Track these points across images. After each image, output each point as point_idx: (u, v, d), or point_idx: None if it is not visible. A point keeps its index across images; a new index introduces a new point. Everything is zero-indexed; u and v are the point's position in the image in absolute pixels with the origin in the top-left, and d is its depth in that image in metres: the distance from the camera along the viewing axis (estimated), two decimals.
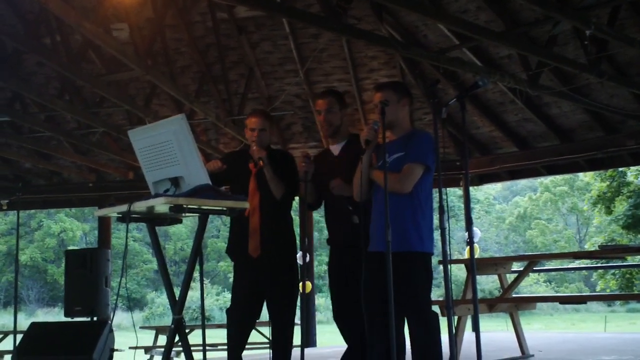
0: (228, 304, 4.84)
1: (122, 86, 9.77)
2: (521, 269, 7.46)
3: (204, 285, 4.20)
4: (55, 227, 34.82)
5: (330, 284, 4.53)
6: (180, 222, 4.05)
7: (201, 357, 4.09)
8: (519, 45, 7.73)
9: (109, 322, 7.41)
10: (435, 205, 3.79)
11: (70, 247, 30.42)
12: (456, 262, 7.23)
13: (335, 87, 9.86)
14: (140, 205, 3.53)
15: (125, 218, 3.63)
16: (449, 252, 3.61)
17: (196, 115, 10.23)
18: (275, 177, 4.61)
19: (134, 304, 33.61)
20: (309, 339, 10.46)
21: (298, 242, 4.96)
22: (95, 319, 7.76)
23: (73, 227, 35.35)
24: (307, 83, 10.49)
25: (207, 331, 4.33)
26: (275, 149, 5.08)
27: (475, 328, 3.72)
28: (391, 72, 10.23)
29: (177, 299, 3.71)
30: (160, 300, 32.98)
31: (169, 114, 8.60)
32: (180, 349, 3.80)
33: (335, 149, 4.51)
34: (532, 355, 6.96)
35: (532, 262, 7.16)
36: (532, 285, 35.38)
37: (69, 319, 7.87)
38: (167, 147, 3.54)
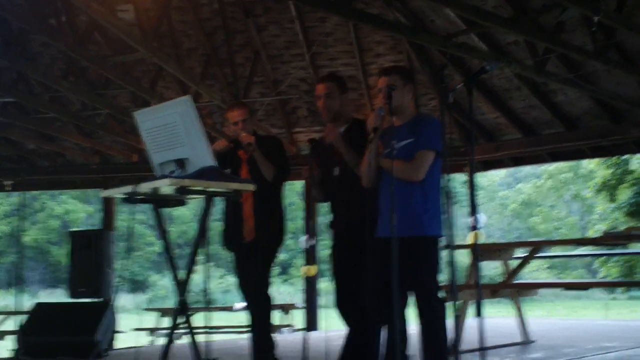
0: (231, 288, 4.96)
1: (128, 68, 9.74)
2: (524, 255, 7.46)
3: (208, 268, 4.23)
4: (58, 208, 34.87)
5: (333, 269, 4.53)
6: (185, 204, 4.07)
7: (204, 339, 4.12)
8: (526, 31, 7.68)
9: (112, 303, 7.47)
10: (441, 190, 3.80)
11: (74, 229, 30.50)
12: (461, 247, 7.23)
13: (338, 72, 9.83)
14: (145, 187, 3.55)
15: (130, 199, 3.64)
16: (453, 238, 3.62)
17: (201, 98, 10.21)
18: (265, 160, 4.78)
19: (137, 286, 33.74)
20: (312, 323, 10.49)
21: (301, 226, 5.16)
22: (98, 300, 7.81)
23: (77, 209, 35.41)
24: (313, 67, 10.45)
25: (210, 314, 4.35)
26: (262, 135, 5.22)
27: (479, 313, 3.72)
28: (398, 58, 10.18)
29: (180, 281, 3.73)
30: (163, 283, 33.08)
31: (175, 97, 8.54)
32: (184, 331, 3.81)
33: None
34: (534, 341, 6.98)
35: (536, 248, 7.17)
36: (534, 272, 35.39)
37: (73, 300, 7.92)
38: (173, 129, 3.55)
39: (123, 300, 26.43)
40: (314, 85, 10.51)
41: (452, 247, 3.52)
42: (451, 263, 3.52)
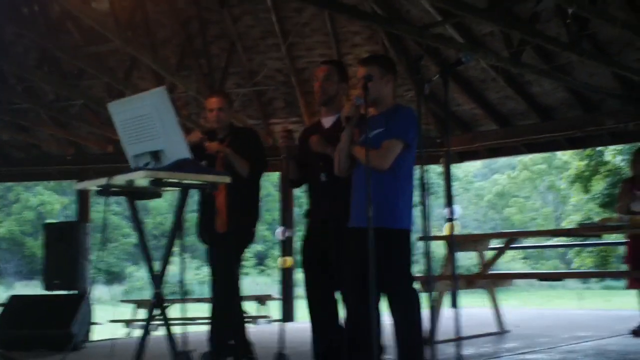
0: (207, 279, 4.93)
1: (102, 58, 9.65)
2: (499, 246, 7.51)
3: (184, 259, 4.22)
4: (33, 200, 34.55)
5: (303, 261, 4.40)
6: (160, 196, 4.04)
7: (180, 330, 4.10)
8: (502, 22, 7.70)
9: (88, 295, 7.42)
10: (416, 181, 3.79)
11: (49, 221, 30.22)
12: (436, 238, 7.26)
13: (316, 62, 9.81)
14: (120, 179, 3.51)
15: (104, 191, 3.61)
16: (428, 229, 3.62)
17: (177, 89, 10.15)
18: (239, 158, 4.72)
19: (113, 277, 33.54)
20: (288, 314, 10.50)
21: (277, 217, 5.12)
22: (74, 292, 7.75)
23: (52, 200, 35.10)
24: (289, 58, 10.42)
25: (187, 305, 4.34)
26: (238, 127, 5.19)
27: (454, 303, 3.74)
28: (374, 48, 10.17)
29: (156, 273, 3.71)
30: (139, 274, 32.87)
31: (150, 87, 8.50)
32: (160, 322, 3.80)
33: (327, 121, 4.42)
34: (509, 331, 7.04)
35: (511, 239, 7.22)
36: (510, 263, 35.69)
37: (48, 292, 7.85)
38: (147, 120, 3.51)
39: (99, 292, 26.26)
40: (290, 76, 10.59)
41: (427, 238, 3.52)
42: (427, 254, 3.53)
